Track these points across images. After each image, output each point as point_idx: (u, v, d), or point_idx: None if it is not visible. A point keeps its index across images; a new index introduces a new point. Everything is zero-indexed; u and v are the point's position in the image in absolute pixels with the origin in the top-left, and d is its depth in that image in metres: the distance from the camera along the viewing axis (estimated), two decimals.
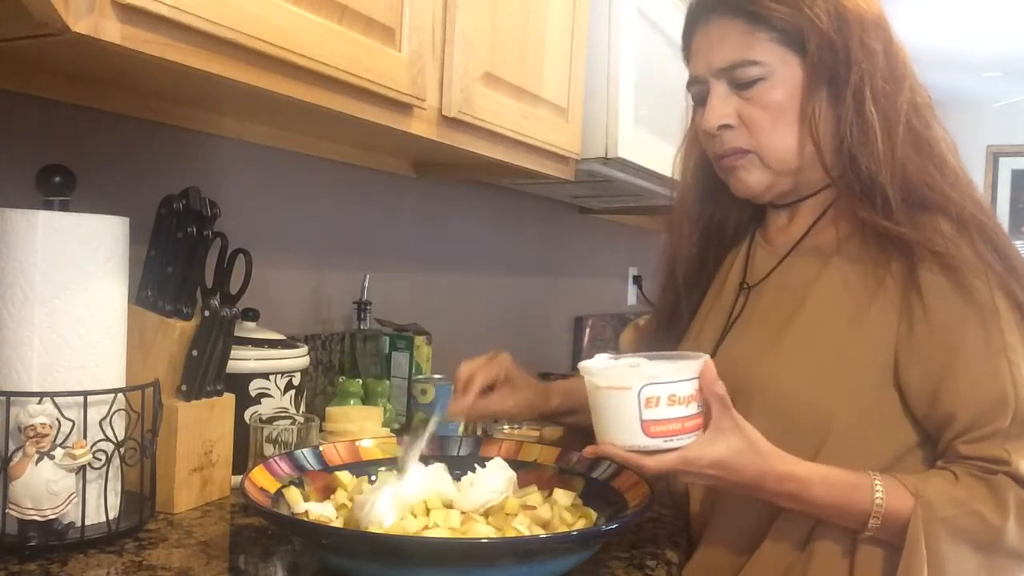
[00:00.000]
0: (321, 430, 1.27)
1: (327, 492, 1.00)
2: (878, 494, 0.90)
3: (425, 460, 1.06)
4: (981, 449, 0.91)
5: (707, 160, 1.12)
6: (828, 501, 0.91)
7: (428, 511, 0.91)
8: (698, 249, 1.18)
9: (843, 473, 0.92)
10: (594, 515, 0.95)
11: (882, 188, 0.96)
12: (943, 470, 0.93)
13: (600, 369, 0.89)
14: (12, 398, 0.88)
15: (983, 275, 0.93)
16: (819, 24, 0.97)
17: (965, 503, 0.89)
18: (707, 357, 0.89)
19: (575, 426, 1.22)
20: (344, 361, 1.61)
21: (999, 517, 0.89)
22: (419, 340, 1.63)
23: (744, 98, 1.01)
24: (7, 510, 0.87)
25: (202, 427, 1.06)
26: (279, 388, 1.20)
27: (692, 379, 0.87)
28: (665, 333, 1.20)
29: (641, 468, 0.87)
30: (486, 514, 0.93)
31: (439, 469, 0.99)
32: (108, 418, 0.92)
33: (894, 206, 0.96)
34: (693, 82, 1.07)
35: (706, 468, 0.87)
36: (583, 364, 0.90)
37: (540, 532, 0.90)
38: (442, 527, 0.88)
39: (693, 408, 0.87)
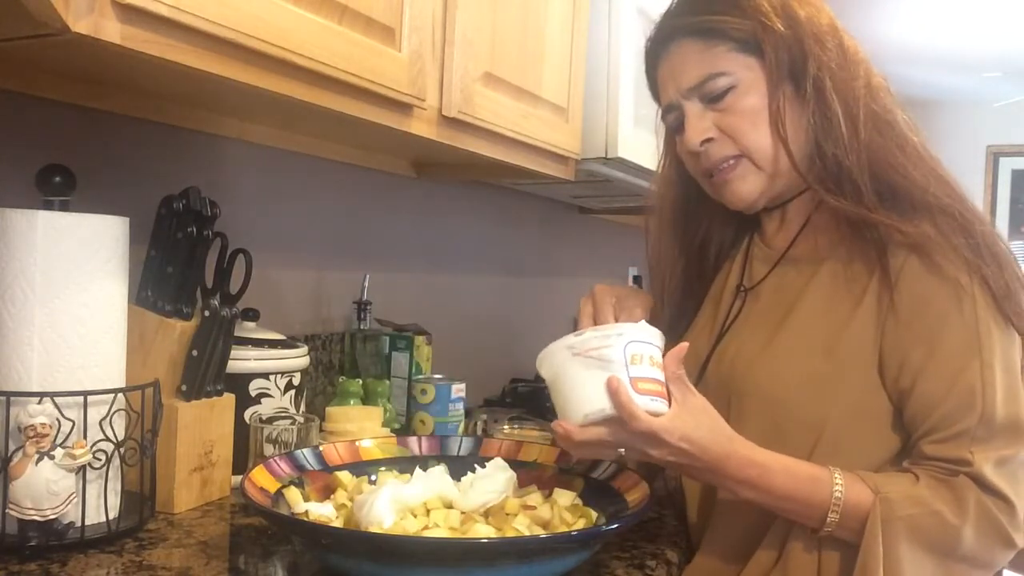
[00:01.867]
0: (321, 430, 1.27)
1: (327, 492, 1.00)
2: (837, 488, 0.90)
3: (425, 462, 1.07)
4: (945, 450, 0.91)
5: (682, 189, 1.14)
6: (787, 491, 0.91)
7: (428, 511, 0.91)
8: (683, 278, 1.19)
9: (804, 465, 0.92)
10: (594, 515, 0.95)
11: (848, 172, 0.97)
12: (906, 471, 0.93)
13: (571, 339, 0.90)
14: (12, 398, 0.88)
15: (949, 256, 0.93)
16: (771, 25, 0.99)
17: (926, 503, 0.89)
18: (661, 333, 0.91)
19: None
20: (344, 361, 1.61)
21: (958, 518, 0.89)
22: (419, 340, 1.63)
23: (718, 110, 1.02)
24: (7, 510, 0.87)
25: (202, 427, 1.06)
26: (279, 388, 1.20)
27: (660, 347, 0.89)
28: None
29: (635, 417, 0.85)
30: (486, 514, 0.93)
31: (440, 472, 0.99)
32: (108, 418, 0.92)
33: (863, 189, 0.96)
34: (667, 111, 1.08)
35: (678, 441, 0.87)
36: (546, 349, 0.91)
37: (540, 532, 0.90)
38: (442, 527, 0.88)
39: (663, 375, 0.89)
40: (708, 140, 1.03)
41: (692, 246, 1.18)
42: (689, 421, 0.88)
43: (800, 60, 0.99)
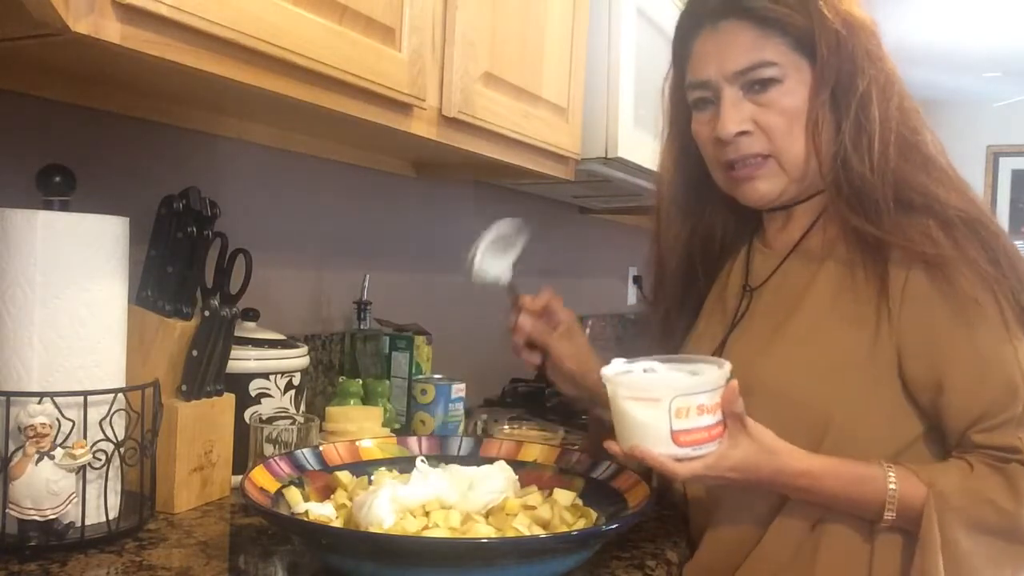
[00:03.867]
0: (321, 430, 1.27)
1: (327, 492, 0.99)
2: (891, 484, 0.92)
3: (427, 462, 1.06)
4: (994, 438, 0.93)
5: (687, 174, 1.12)
6: (842, 493, 0.94)
7: (427, 512, 0.91)
8: (685, 266, 1.18)
9: (855, 465, 0.94)
10: (594, 515, 0.95)
11: (871, 192, 0.97)
12: (958, 460, 0.94)
13: (627, 379, 0.91)
14: (12, 398, 0.88)
15: (965, 272, 0.93)
16: (831, 27, 0.98)
17: (978, 492, 0.91)
18: (729, 366, 0.90)
19: (600, 420, 1.17)
20: (344, 361, 1.61)
21: (1013, 504, 0.91)
22: (419, 340, 1.63)
23: (758, 104, 1.00)
24: (7, 510, 0.86)
25: (202, 427, 1.06)
26: (279, 388, 1.20)
27: (717, 389, 0.89)
28: (659, 345, 1.20)
29: (673, 474, 0.88)
30: (486, 514, 0.93)
31: (440, 472, 0.99)
32: (108, 418, 0.92)
33: (883, 210, 0.97)
34: (697, 87, 1.04)
35: (727, 472, 0.90)
36: (605, 372, 0.91)
37: (540, 532, 0.90)
38: (442, 527, 0.88)
39: (718, 415, 0.89)
40: (744, 132, 1.01)
41: (695, 236, 1.17)
42: (736, 451, 0.89)
43: (849, 73, 0.98)
